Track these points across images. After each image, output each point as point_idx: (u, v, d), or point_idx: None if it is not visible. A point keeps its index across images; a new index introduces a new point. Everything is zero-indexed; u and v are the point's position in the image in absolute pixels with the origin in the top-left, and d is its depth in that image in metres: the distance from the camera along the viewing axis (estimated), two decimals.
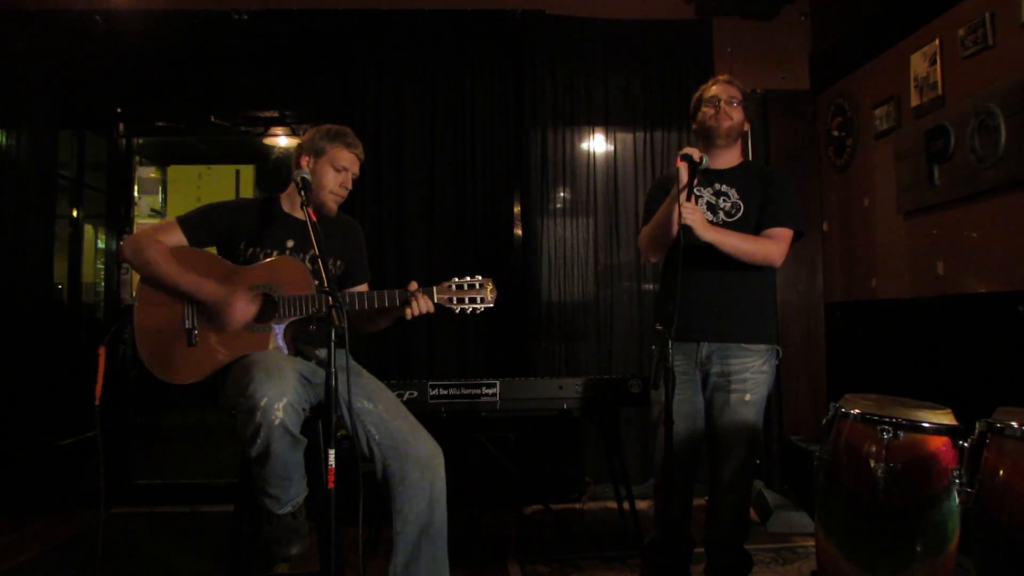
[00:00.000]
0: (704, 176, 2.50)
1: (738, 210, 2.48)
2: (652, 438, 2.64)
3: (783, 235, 2.44)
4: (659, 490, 2.61)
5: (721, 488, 2.48)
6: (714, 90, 2.51)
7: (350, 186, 2.42)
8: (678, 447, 2.32)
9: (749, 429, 2.43)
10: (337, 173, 2.37)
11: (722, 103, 2.48)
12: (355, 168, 2.42)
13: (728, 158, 2.55)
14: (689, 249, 2.25)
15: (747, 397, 2.42)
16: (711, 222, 2.42)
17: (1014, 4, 2.67)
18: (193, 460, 4.74)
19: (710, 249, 2.34)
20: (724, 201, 2.50)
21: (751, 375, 2.43)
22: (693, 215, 2.26)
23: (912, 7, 3.26)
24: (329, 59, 3.99)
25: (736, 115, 2.50)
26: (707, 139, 2.54)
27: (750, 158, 3.61)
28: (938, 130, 3.04)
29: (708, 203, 2.50)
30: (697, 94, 2.58)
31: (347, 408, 2.15)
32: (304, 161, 2.37)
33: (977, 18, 2.84)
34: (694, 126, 2.62)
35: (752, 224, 2.47)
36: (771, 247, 2.41)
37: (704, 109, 2.52)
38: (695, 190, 2.46)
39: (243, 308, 2.21)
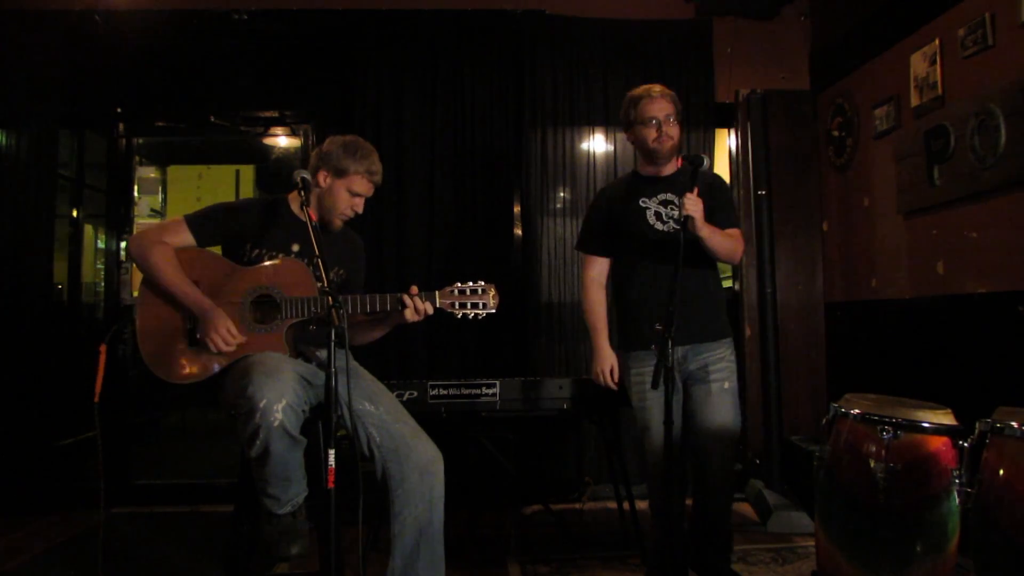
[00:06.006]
0: (649, 186, 2.57)
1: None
2: (639, 443, 2.67)
3: (739, 235, 2.54)
4: (657, 493, 2.58)
5: (708, 483, 2.53)
6: (652, 110, 2.49)
7: (361, 211, 2.40)
8: (668, 450, 2.34)
9: (731, 423, 2.49)
10: (352, 198, 2.35)
11: (662, 124, 2.48)
12: (370, 194, 2.40)
13: (670, 165, 2.59)
14: (648, 252, 2.30)
15: (726, 385, 2.51)
16: (659, 231, 2.51)
17: (1014, 4, 2.68)
18: (193, 460, 4.74)
19: (671, 253, 2.35)
20: (672, 209, 2.54)
21: (726, 363, 2.53)
22: (696, 207, 2.27)
23: (912, 7, 3.26)
24: (329, 59, 3.99)
25: (676, 132, 2.53)
26: (649, 157, 2.57)
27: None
28: (938, 130, 3.04)
29: (656, 213, 2.55)
30: (627, 104, 2.55)
31: (348, 409, 2.15)
32: (322, 176, 2.34)
33: (977, 18, 2.85)
34: (629, 137, 2.61)
35: None
36: (739, 245, 2.52)
37: (644, 131, 2.51)
38: (640, 202, 2.55)
39: (225, 336, 2.13)
